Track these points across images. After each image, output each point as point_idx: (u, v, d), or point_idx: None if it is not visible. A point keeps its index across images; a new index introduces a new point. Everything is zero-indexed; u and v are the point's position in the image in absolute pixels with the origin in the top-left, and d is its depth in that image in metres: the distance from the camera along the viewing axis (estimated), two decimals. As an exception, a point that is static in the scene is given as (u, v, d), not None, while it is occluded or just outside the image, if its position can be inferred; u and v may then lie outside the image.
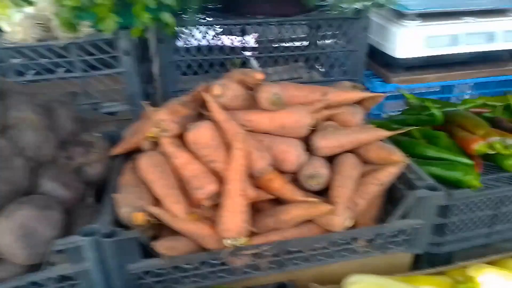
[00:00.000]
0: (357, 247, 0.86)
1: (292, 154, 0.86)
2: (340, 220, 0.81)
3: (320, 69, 1.36)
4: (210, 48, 1.30)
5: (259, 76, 0.87)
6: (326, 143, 0.90)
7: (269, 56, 1.24)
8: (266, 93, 0.85)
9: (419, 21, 1.26)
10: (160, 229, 0.81)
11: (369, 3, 1.13)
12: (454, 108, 1.20)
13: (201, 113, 0.89)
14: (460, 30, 1.26)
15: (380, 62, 1.36)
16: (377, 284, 0.74)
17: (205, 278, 0.78)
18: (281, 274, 0.84)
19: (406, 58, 1.27)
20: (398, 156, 0.89)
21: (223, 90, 0.86)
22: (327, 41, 1.31)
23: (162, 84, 1.20)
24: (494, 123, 1.12)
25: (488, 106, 1.22)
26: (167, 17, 1.01)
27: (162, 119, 0.80)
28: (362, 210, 0.88)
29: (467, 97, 1.46)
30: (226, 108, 0.86)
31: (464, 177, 0.92)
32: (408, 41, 1.25)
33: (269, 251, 0.79)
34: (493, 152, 0.98)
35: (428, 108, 1.15)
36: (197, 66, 1.19)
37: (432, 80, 1.34)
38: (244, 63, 1.37)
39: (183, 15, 1.12)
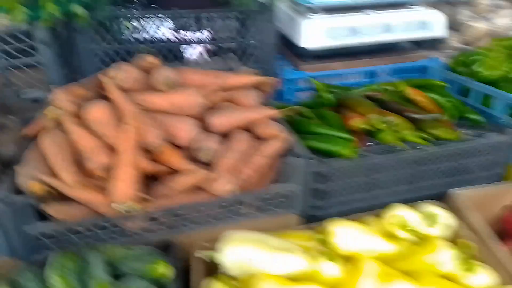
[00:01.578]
0: (242, 210, 0.98)
1: (182, 130, 0.97)
2: (221, 185, 0.92)
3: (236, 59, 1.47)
4: (148, 40, 1.39)
5: (151, 60, 0.98)
6: (218, 120, 1.01)
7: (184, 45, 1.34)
8: (159, 76, 0.96)
9: (323, 14, 1.40)
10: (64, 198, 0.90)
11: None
12: (349, 92, 1.34)
13: (102, 95, 0.98)
14: (359, 22, 1.41)
15: (292, 51, 1.49)
16: (246, 237, 0.86)
17: (98, 239, 0.88)
18: (177, 236, 0.95)
19: (311, 48, 1.40)
20: (280, 131, 1.01)
21: (120, 73, 0.96)
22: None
23: (83, 73, 1.29)
24: (383, 105, 1.26)
25: (381, 90, 1.36)
26: (77, 8, 1.10)
27: (59, 99, 0.90)
28: (250, 179, 1.00)
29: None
30: (123, 89, 0.96)
31: (340, 149, 1.05)
32: (312, 32, 1.38)
33: (157, 215, 0.90)
34: (369, 127, 1.13)
35: (326, 92, 1.29)
36: (116, 55, 1.28)
37: (338, 68, 1.48)
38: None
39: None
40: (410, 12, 1.45)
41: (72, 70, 1.28)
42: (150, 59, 0.98)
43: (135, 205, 0.87)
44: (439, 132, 1.12)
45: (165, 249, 0.89)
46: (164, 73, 0.96)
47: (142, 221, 0.91)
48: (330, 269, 0.80)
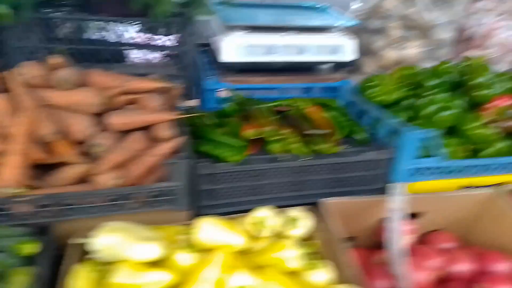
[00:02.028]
0: (129, 203, 1.08)
1: (77, 126, 1.06)
2: (105, 179, 1.02)
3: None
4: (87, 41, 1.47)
5: (57, 60, 1.08)
6: (115, 120, 1.11)
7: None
8: (59, 75, 1.06)
9: (243, 32, 1.53)
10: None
11: (189, 11, 1.37)
12: (260, 105, 1.46)
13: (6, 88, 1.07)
14: (275, 41, 1.54)
15: (217, 64, 1.62)
16: (118, 227, 0.95)
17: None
18: (60, 223, 1.04)
19: (231, 62, 1.53)
20: (173, 135, 1.12)
21: (24, 70, 1.05)
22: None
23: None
24: (287, 119, 1.39)
25: (290, 106, 1.49)
26: (1, 8, 1.19)
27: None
28: (139, 176, 1.10)
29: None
30: (29, 85, 1.06)
31: (229, 155, 1.17)
32: (230, 48, 1.51)
33: (42, 201, 0.99)
34: (262, 137, 1.25)
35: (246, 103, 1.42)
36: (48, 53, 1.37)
37: (258, 82, 1.60)
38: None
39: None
40: (323, 37, 1.60)
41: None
42: (55, 59, 1.08)
43: (21, 190, 0.96)
44: (322, 146, 1.25)
45: (44, 233, 0.98)
46: (64, 73, 1.06)
47: (28, 206, 1.00)
48: (183, 258, 0.91)
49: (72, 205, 1.03)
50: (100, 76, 1.16)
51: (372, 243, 1.30)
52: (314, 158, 1.24)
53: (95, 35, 1.55)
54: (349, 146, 1.31)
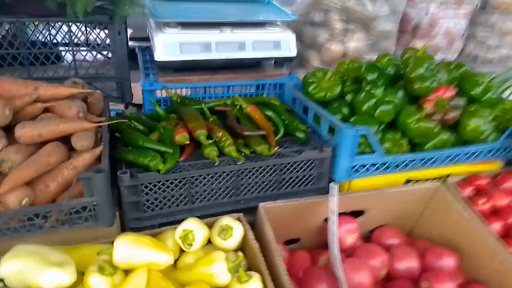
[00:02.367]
0: (45, 223, 0.98)
1: (-22, 141, 0.95)
2: (12, 198, 0.92)
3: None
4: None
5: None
6: (23, 132, 1.00)
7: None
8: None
9: (177, 29, 1.44)
10: None
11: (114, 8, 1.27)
12: (198, 106, 1.38)
13: None
14: (213, 38, 1.46)
15: (155, 64, 1.52)
16: (26, 250, 0.86)
17: None
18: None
19: (166, 61, 1.44)
20: (91, 145, 1.03)
21: None
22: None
23: None
24: (225, 120, 1.33)
25: (230, 105, 1.42)
26: None
27: None
28: (55, 192, 1.01)
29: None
30: None
31: (155, 163, 1.08)
32: (164, 46, 1.42)
33: None
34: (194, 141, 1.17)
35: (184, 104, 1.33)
36: None
37: (196, 82, 1.53)
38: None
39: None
40: (263, 32, 1.53)
41: None
42: None
43: None
44: (260, 148, 1.19)
45: None
46: (-40, 83, 0.94)
47: None
48: (97, 283, 0.83)
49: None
50: (7, 84, 1.05)
51: (318, 244, 1.27)
52: (251, 160, 1.18)
53: (17, 37, 1.42)
54: (287, 147, 1.26)
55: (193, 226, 0.97)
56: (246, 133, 1.23)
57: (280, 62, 1.64)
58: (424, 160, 1.32)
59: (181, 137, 1.16)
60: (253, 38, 1.51)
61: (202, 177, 1.13)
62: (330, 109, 1.37)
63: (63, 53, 1.46)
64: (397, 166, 1.32)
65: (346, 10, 1.69)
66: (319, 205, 1.20)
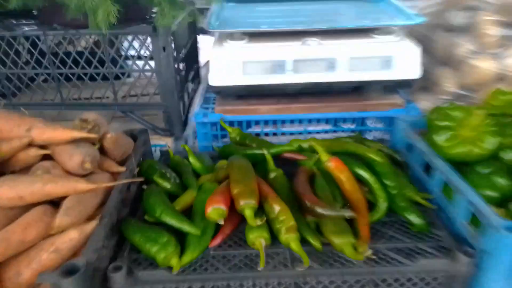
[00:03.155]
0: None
1: None
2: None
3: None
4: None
5: None
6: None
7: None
8: None
9: (242, 42, 1.04)
10: None
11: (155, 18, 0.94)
12: (259, 152, 0.96)
13: None
14: (288, 55, 1.02)
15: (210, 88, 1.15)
16: None
17: None
18: None
19: (223, 87, 1.05)
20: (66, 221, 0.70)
21: None
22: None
23: None
24: (295, 180, 0.88)
25: (306, 153, 0.96)
26: None
27: None
28: (30, 282, 0.70)
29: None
30: None
31: (160, 254, 0.70)
32: (220, 67, 1.03)
33: None
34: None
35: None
36: None
37: (265, 113, 1.10)
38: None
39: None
40: (366, 43, 1.03)
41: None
42: None
43: None
44: (340, 241, 0.71)
45: None
46: None
47: None
48: None
49: None
50: (7, 122, 0.79)
51: None
52: (324, 262, 0.70)
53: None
54: (389, 240, 0.74)
55: None
56: (319, 210, 0.76)
57: (391, 85, 1.11)
58: None
59: (215, 212, 0.75)
60: (349, 52, 1.02)
61: (239, 284, 0.70)
62: (474, 178, 0.80)
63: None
64: None
65: (507, 8, 1.06)
66: None
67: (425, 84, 1.24)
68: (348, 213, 0.74)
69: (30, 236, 0.71)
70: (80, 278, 0.63)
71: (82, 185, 0.74)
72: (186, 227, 0.75)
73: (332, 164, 0.85)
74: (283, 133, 1.15)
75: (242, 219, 0.79)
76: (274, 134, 1.15)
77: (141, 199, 0.86)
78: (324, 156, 0.87)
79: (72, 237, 0.71)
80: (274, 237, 0.74)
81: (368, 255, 0.70)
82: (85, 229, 0.71)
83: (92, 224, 0.72)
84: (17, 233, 0.70)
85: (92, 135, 0.80)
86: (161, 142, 1.15)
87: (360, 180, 0.84)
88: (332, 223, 0.75)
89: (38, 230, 0.72)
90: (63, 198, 0.75)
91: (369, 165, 0.86)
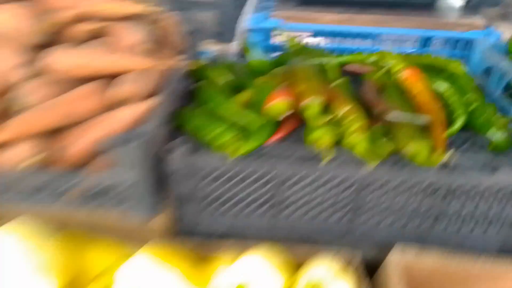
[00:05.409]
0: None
1: None
2: (14, 153, 0.63)
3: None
4: None
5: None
6: (53, 59, 0.68)
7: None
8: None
9: None
10: None
11: None
12: (321, 61, 0.88)
13: None
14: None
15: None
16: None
17: None
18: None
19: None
20: (140, 94, 0.66)
21: None
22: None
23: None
24: (360, 89, 0.81)
25: (375, 66, 0.88)
26: None
27: None
28: (79, 155, 0.68)
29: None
30: None
31: (217, 141, 0.66)
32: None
33: None
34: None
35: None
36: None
37: (327, 22, 1.01)
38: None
39: None
40: None
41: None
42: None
43: None
44: (414, 147, 0.65)
45: None
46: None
47: None
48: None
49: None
50: None
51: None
52: (391, 166, 0.65)
53: None
54: (465, 153, 0.68)
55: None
56: (391, 115, 0.70)
57: (473, 5, 0.99)
58: None
59: (278, 104, 0.69)
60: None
61: (297, 178, 0.67)
62: None
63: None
64: None
65: None
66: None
67: (506, 11, 1.11)
68: (423, 119, 0.68)
69: (87, 106, 0.68)
70: (139, 147, 0.60)
71: (145, 61, 0.70)
72: (242, 119, 0.70)
73: (408, 74, 0.78)
74: (344, 50, 1.06)
75: (301, 123, 0.74)
76: (335, 50, 1.06)
77: (194, 96, 0.81)
78: (398, 65, 0.79)
79: (136, 109, 0.67)
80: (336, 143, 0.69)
81: (445, 159, 0.64)
82: (143, 105, 0.67)
83: (155, 99, 0.67)
84: (75, 101, 0.67)
85: (152, 10, 0.73)
86: (212, 48, 1.09)
87: (437, 94, 0.76)
88: (405, 129, 0.68)
89: (94, 102, 0.69)
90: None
91: (447, 80, 0.78)
